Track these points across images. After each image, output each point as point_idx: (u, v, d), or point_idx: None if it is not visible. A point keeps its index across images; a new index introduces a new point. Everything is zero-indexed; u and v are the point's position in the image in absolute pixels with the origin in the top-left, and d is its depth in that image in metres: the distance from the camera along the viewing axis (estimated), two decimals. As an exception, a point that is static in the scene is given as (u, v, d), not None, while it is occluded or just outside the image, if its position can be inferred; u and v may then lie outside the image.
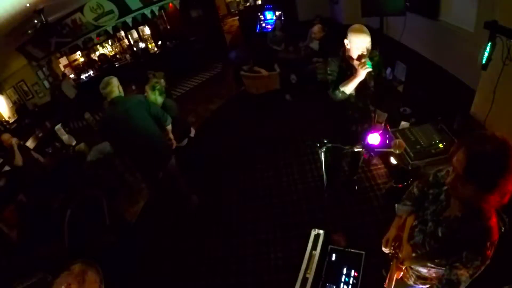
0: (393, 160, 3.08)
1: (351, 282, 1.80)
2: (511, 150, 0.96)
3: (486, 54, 2.10)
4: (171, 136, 3.11)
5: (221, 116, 5.77)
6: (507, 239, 1.35)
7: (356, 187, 3.25)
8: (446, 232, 1.21)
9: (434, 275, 1.38)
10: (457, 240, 1.15)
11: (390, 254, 1.61)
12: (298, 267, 1.93)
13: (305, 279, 1.86)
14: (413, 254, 1.39)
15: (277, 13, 7.46)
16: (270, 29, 7.32)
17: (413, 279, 1.51)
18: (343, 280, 1.81)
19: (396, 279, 1.54)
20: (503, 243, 1.21)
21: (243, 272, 2.77)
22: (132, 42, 9.13)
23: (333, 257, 1.94)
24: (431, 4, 3.22)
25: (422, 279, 1.47)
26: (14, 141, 3.94)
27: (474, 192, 1.03)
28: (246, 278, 2.72)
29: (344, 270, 1.84)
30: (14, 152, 3.89)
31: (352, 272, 1.83)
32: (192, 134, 3.88)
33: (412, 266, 1.47)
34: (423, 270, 1.40)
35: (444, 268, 1.20)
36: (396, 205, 1.63)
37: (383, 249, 1.60)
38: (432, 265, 1.30)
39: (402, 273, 1.53)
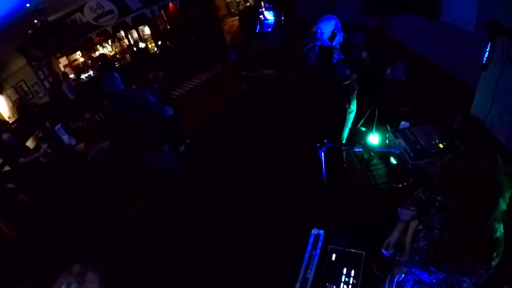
0: (393, 160, 3.08)
1: (351, 282, 1.79)
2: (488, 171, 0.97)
3: (486, 54, 2.10)
4: None
5: (221, 116, 5.76)
6: (507, 239, 1.35)
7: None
8: (452, 240, 1.21)
9: (434, 281, 1.37)
10: (463, 248, 1.15)
11: (388, 258, 1.61)
12: (298, 267, 1.93)
13: (305, 279, 1.86)
14: (416, 258, 1.39)
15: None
16: (269, 29, 7.32)
17: (411, 283, 1.51)
18: (343, 280, 1.80)
19: (396, 281, 1.53)
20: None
21: (243, 272, 2.77)
22: (132, 42, 9.13)
23: (333, 257, 1.94)
24: (431, 4, 3.22)
25: (420, 284, 1.46)
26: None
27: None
28: (246, 277, 2.72)
29: (344, 270, 1.84)
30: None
31: (352, 272, 1.83)
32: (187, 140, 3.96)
33: (413, 270, 1.47)
34: (424, 275, 1.40)
35: (445, 274, 1.20)
36: (399, 209, 1.62)
37: (384, 252, 1.59)
38: (435, 270, 1.29)
39: (403, 275, 1.52)
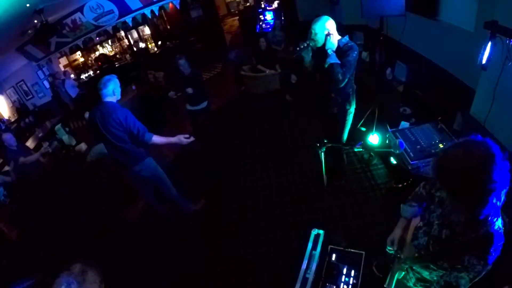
0: (393, 160, 3.08)
1: (351, 282, 1.79)
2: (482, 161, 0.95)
3: (486, 54, 2.10)
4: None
5: (221, 116, 5.77)
6: (507, 239, 1.35)
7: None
8: (450, 236, 1.21)
9: (435, 278, 1.38)
10: (460, 244, 1.15)
11: (392, 255, 1.61)
12: (298, 267, 1.93)
13: (305, 279, 1.86)
14: (416, 255, 1.40)
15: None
16: (269, 29, 7.33)
17: (413, 281, 1.51)
18: (343, 280, 1.80)
19: (397, 279, 1.54)
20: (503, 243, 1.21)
21: (243, 272, 2.77)
22: (132, 42, 9.14)
23: (333, 257, 1.94)
24: (431, 4, 3.22)
25: (422, 281, 1.46)
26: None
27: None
28: (246, 278, 2.72)
29: (344, 270, 1.84)
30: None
31: (352, 272, 1.83)
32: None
33: (414, 268, 1.47)
34: (425, 273, 1.40)
35: (444, 271, 1.20)
36: (401, 205, 1.63)
37: (387, 249, 1.59)
38: (434, 267, 1.30)
39: (403, 273, 1.53)
